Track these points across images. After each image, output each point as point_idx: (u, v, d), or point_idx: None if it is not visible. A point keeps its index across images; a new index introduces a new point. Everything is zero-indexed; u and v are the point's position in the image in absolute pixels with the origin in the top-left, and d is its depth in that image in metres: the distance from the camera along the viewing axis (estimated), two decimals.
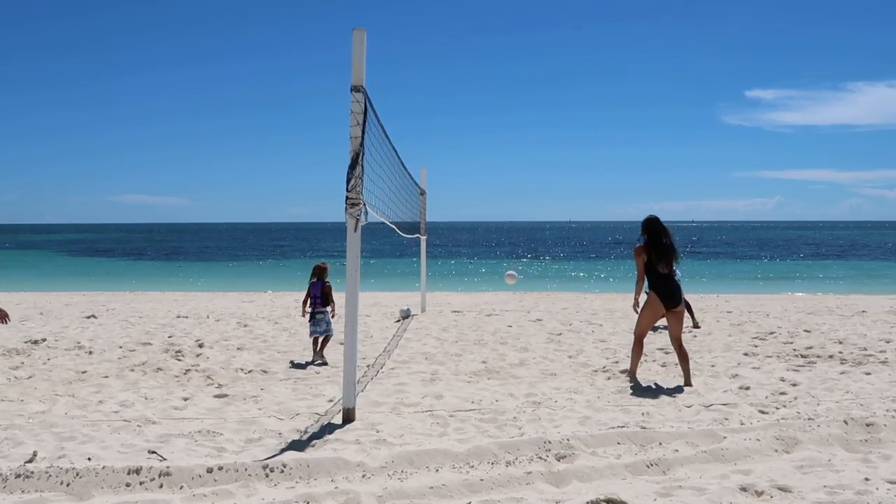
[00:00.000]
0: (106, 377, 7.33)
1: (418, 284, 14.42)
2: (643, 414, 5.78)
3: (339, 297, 15.72)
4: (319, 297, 8.44)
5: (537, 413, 5.80)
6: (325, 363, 8.16)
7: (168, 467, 4.27)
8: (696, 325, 10.85)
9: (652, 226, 6.92)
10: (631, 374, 7.16)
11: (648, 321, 7.01)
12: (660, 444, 4.86)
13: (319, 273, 8.62)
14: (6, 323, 5.86)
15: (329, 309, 8.47)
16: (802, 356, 8.31)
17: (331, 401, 6.27)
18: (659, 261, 6.83)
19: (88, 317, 12.31)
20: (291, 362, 8.28)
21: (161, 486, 4.13)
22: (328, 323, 8.40)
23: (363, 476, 4.31)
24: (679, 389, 6.69)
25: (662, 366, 7.91)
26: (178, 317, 12.44)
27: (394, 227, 8.78)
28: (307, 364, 8.17)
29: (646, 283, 6.98)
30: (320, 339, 8.39)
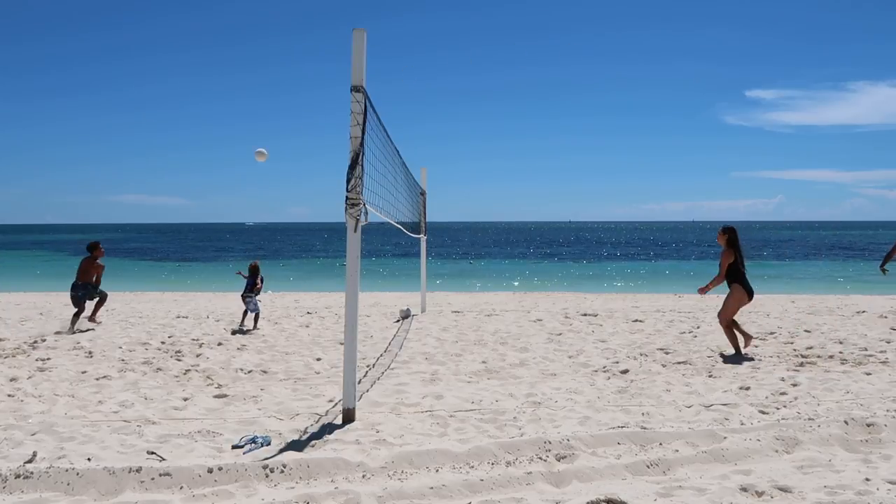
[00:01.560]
0: (106, 377, 7.33)
1: (418, 284, 14.42)
2: (643, 414, 5.78)
3: (339, 296, 15.67)
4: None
5: (537, 413, 5.79)
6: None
7: (168, 467, 4.27)
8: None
9: (735, 234, 8.58)
10: (738, 349, 8.48)
11: (735, 309, 8.54)
12: (660, 444, 4.86)
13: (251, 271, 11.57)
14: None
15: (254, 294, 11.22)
16: (803, 356, 8.31)
17: (331, 401, 6.27)
18: (742, 262, 8.57)
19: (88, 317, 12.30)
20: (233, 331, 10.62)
21: (161, 487, 4.13)
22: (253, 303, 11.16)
23: (363, 476, 4.31)
24: (679, 389, 6.69)
25: (663, 366, 7.91)
26: (178, 317, 12.44)
27: (399, 226, 8.78)
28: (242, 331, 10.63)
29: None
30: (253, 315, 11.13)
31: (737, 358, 8.24)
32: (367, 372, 7.62)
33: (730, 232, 8.51)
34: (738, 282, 8.45)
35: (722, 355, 8.42)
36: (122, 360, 8.27)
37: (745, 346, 8.52)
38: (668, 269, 35.25)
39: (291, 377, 7.43)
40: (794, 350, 8.75)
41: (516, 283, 24.58)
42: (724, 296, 8.63)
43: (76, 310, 10.94)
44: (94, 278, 11.26)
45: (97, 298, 11.39)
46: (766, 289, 21.72)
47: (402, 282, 23.92)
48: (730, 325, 8.49)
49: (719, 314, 8.59)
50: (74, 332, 10.38)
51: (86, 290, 11.11)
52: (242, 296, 11.25)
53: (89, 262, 11.23)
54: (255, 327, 10.90)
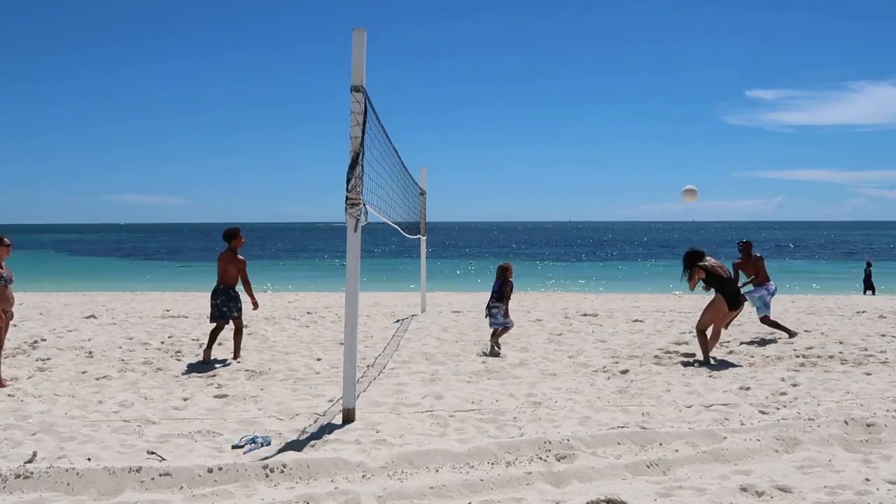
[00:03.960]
0: (106, 377, 7.33)
1: (418, 284, 14.41)
2: (643, 414, 5.78)
3: (339, 296, 15.35)
4: (496, 293, 9.10)
5: (537, 413, 5.79)
6: (496, 353, 8.72)
7: (168, 467, 4.27)
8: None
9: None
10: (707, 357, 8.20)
11: (712, 318, 8.36)
12: (660, 444, 4.86)
13: (501, 272, 9.28)
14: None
15: (501, 304, 9.04)
16: (803, 356, 8.30)
17: (331, 401, 6.27)
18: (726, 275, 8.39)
19: (88, 317, 12.31)
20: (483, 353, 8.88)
21: (161, 487, 4.13)
22: (500, 316, 9.01)
23: (363, 476, 4.31)
24: (679, 389, 6.69)
25: (663, 366, 7.91)
26: (178, 317, 12.44)
27: (396, 226, 8.78)
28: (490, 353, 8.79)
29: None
30: (498, 330, 8.96)
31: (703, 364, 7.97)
32: (366, 372, 7.62)
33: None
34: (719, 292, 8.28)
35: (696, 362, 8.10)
36: (122, 360, 8.27)
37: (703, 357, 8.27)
38: (668, 269, 35.23)
39: (291, 377, 7.43)
40: (794, 350, 8.74)
41: (515, 283, 24.56)
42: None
43: (213, 326, 8.28)
44: (236, 280, 8.25)
45: (236, 316, 8.28)
46: None
47: (401, 282, 23.92)
48: (703, 333, 8.32)
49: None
50: (209, 363, 7.96)
51: (227, 297, 8.19)
52: (488, 306, 9.13)
53: (228, 258, 8.26)
54: (496, 343, 8.94)
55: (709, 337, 8.41)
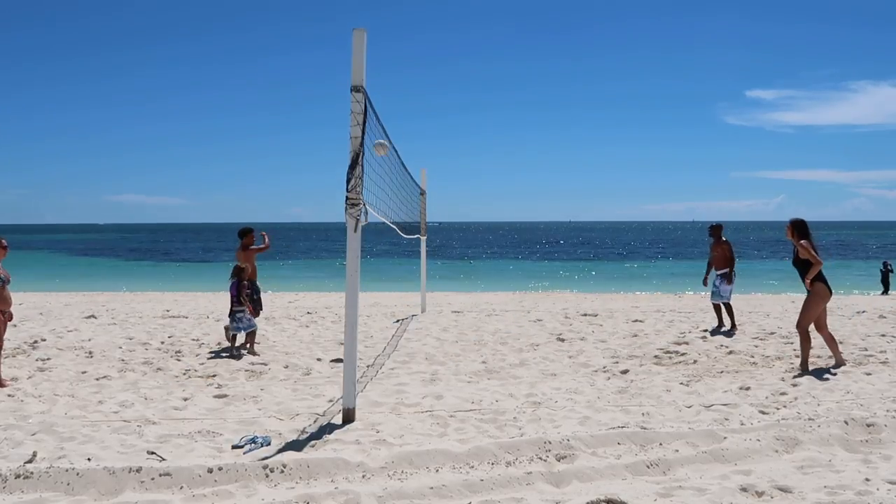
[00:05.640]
0: (106, 377, 7.33)
1: (418, 284, 14.42)
2: (643, 414, 5.78)
3: (339, 296, 15.36)
4: (235, 297, 8.68)
5: (537, 413, 5.79)
6: (237, 355, 8.45)
7: (168, 467, 4.27)
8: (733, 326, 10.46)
9: (808, 226, 7.49)
10: (804, 366, 7.43)
11: (818, 310, 7.43)
12: (660, 444, 4.86)
13: (235, 273, 8.85)
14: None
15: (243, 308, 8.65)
16: None
17: (331, 401, 6.27)
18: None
19: (88, 317, 12.31)
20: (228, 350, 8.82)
21: (161, 487, 4.13)
22: (239, 321, 8.60)
23: (363, 476, 4.31)
24: (679, 389, 6.69)
25: (663, 366, 7.91)
26: (178, 317, 12.44)
27: (394, 227, 8.78)
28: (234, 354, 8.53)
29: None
30: (237, 335, 8.68)
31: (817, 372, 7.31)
32: (366, 372, 7.62)
33: (798, 224, 7.47)
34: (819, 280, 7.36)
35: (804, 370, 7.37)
36: (122, 360, 8.27)
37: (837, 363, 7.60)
38: (668, 269, 35.26)
39: (291, 377, 7.43)
40: (795, 350, 8.73)
41: (515, 283, 24.60)
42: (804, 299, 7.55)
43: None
44: (241, 274, 8.71)
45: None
46: (767, 289, 21.73)
47: (401, 282, 23.91)
48: (808, 333, 7.48)
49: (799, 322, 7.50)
50: (239, 355, 8.39)
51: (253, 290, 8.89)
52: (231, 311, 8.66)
53: (239, 254, 9.28)
54: (239, 348, 8.61)
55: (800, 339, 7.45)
